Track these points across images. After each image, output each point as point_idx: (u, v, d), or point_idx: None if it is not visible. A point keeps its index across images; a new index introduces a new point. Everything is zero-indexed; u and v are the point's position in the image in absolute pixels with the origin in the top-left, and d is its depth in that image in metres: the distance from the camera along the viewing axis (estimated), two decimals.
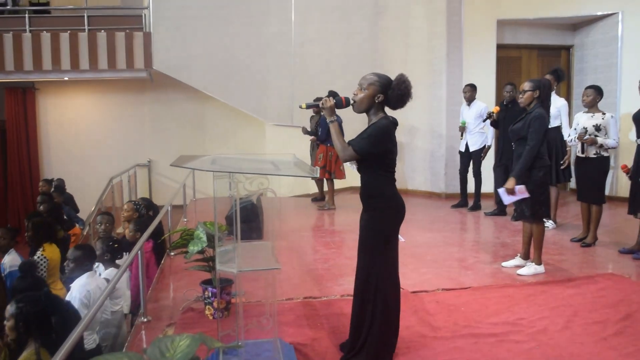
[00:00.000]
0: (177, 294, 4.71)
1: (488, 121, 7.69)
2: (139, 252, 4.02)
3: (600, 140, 5.90)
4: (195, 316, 4.16)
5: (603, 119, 5.95)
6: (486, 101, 8.38)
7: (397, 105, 3.25)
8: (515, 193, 4.92)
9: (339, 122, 8.14)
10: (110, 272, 4.62)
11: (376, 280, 3.25)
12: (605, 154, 5.97)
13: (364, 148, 3.16)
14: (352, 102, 3.28)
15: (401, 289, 4.54)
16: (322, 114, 8.50)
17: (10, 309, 3.21)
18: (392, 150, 3.26)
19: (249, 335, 3.44)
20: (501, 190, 5.01)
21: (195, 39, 10.15)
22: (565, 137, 6.73)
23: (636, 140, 5.61)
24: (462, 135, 8.34)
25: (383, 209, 3.26)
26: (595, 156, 5.99)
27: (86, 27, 10.32)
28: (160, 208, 6.47)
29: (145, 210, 6.81)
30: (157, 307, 4.43)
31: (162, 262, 5.78)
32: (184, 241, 4.13)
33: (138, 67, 10.28)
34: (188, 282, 4.80)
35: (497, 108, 7.58)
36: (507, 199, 5.00)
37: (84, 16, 10.38)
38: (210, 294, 4.03)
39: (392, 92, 3.20)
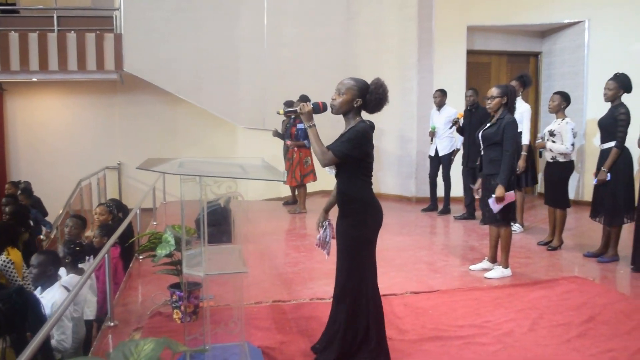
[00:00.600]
0: (145, 298, 4.68)
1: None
2: (106, 256, 3.98)
3: (548, 144, 6.05)
4: (163, 320, 4.13)
5: (559, 124, 6.08)
6: (456, 106, 8.48)
7: (375, 109, 3.29)
8: (504, 200, 4.98)
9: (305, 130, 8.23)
10: (71, 278, 4.54)
11: (362, 286, 3.27)
12: (561, 159, 6.08)
13: (343, 152, 3.17)
14: (330, 107, 3.30)
15: None
16: (292, 117, 8.53)
17: None
18: (371, 153, 3.29)
19: (217, 339, 3.42)
20: (491, 200, 5.02)
21: (166, 41, 10.08)
22: (524, 142, 6.84)
23: (599, 146, 5.72)
24: (432, 140, 8.43)
25: (362, 213, 3.27)
26: (552, 161, 6.13)
27: (55, 27, 10.18)
28: (130, 211, 6.41)
29: (116, 211, 6.75)
30: (125, 311, 4.39)
31: (131, 265, 5.73)
32: (152, 244, 4.10)
33: (108, 68, 10.17)
34: (156, 286, 4.76)
35: (462, 114, 7.69)
36: (497, 207, 5.02)
37: (53, 16, 10.23)
38: (178, 298, 4.01)
39: (370, 97, 3.22)
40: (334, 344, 3.31)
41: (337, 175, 3.32)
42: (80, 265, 4.82)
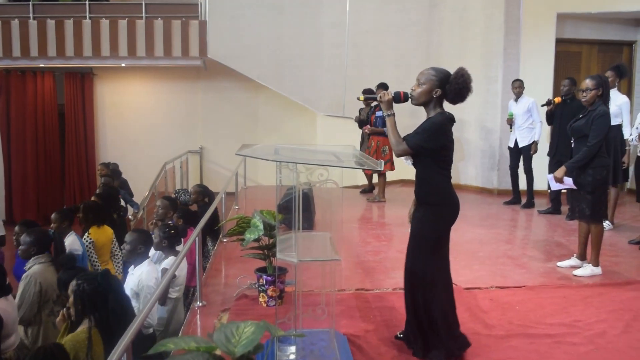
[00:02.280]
0: (229, 281, 4.79)
1: (542, 116, 7.53)
2: (196, 240, 4.10)
3: None
4: (249, 303, 4.22)
5: None
6: (543, 97, 8.19)
7: (456, 100, 3.22)
8: (562, 182, 4.91)
9: (383, 118, 8.17)
10: (172, 260, 4.70)
11: (429, 276, 3.25)
12: None
13: (417, 143, 3.15)
14: (409, 96, 3.27)
15: (455, 285, 4.53)
16: (372, 105, 8.49)
17: (71, 286, 3.34)
18: (448, 146, 3.24)
19: (304, 324, 3.46)
20: (550, 176, 5.03)
21: (249, 28, 10.24)
22: (626, 136, 6.54)
23: None
24: (510, 128, 8.18)
25: (437, 205, 3.25)
26: None
27: (144, 14, 10.52)
28: (214, 196, 6.58)
29: (186, 197, 7.01)
30: (211, 292, 4.51)
31: (215, 248, 5.88)
32: (240, 229, 4.17)
33: (193, 55, 10.44)
34: (241, 270, 4.86)
35: (559, 99, 7.40)
36: (555, 185, 5.05)
37: (141, 4, 10.56)
38: (264, 282, 4.08)
39: (450, 87, 3.17)
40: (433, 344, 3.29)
41: (414, 165, 3.30)
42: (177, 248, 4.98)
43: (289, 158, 2.73)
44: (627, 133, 6.51)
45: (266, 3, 10.26)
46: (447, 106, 3.32)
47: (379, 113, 8.26)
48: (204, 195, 6.79)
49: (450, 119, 3.23)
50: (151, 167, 9.85)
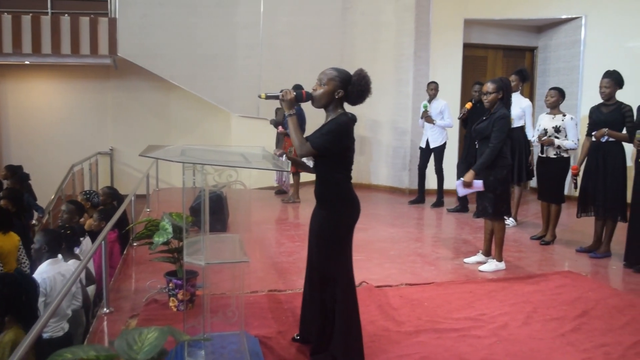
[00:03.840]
0: (139, 285, 4.66)
1: (454, 119, 7.78)
2: (103, 243, 3.96)
3: (557, 141, 6.06)
4: (158, 308, 4.12)
5: (563, 120, 6.09)
6: (452, 99, 8.48)
7: (357, 101, 3.19)
8: (471, 186, 5.05)
9: (301, 116, 8.21)
10: (74, 263, 4.53)
11: (333, 276, 3.22)
12: (565, 155, 6.12)
13: (322, 144, 3.09)
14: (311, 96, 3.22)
15: (366, 284, 4.61)
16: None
17: None
18: (350, 147, 3.21)
19: (214, 328, 3.42)
20: (458, 182, 5.14)
21: (161, 26, 9.99)
22: (530, 137, 6.87)
23: (604, 140, 5.68)
24: (423, 122, 8.33)
25: (339, 206, 3.22)
26: (555, 157, 6.14)
27: (49, 10, 10.08)
28: (124, 198, 6.39)
29: (98, 199, 6.75)
30: (120, 298, 4.37)
31: (125, 252, 5.71)
32: (149, 232, 4.08)
33: (102, 53, 10.08)
34: (151, 274, 4.75)
35: (470, 104, 7.67)
36: (462, 191, 5.18)
37: None
38: (174, 286, 3.99)
39: (352, 88, 3.13)
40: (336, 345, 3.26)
41: (315, 167, 3.24)
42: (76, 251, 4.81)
43: (195, 159, 2.68)
44: (530, 134, 6.84)
45: (179, 2, 10.03)
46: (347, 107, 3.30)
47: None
48: (113, 197, 6.59)
49: (353, 120, 3.23)
50: (59, 170, 9.43)
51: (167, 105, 11.50)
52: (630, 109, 5.51)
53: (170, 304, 4.08)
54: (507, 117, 5.06)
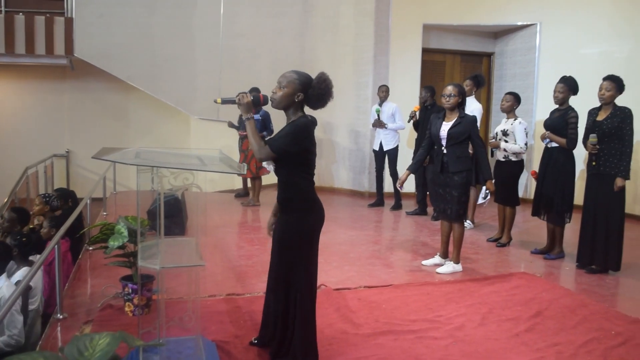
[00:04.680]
0: (95, 290, 4.57)
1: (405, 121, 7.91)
2: (56, 247, 3.87)
3: (503, 144, 6.20)
4: (114, 313, 4.05)
5: (512, 124, 6.23)
6: (411, 103, 8.57)
7: (317, 105, 3.17)
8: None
9: (267, 119, 8.20)
10: (25, 271, 4.42)
11: (297, 284, 3.19)
12: (514, 159, 6.25)
13: (281, 147, 3.07)
14: (270, 99, 3.19)
15: (324, 287, 4.61)
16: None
17: None
18: (311, 150, 3.18)
19: (171, 332, 3.37)
20: (482, 195, 5.49)
21: (119, 27, 9.82)
22: None
23: (547, 144, 5.86)
24: (375, 125, 8.40)
25: (303, 211, 3.19)
26: (504, 160, 6.29)
27: (2, 8, 9.79)
28: (79, 200, 6.26)
29: (57, 203, 6.56)
30: (74, 304, 4.28)
31: (80, 257, 5.60)
32: (104, 236, 4.01)
33: (58, 53, 9.84)
34: (106, 279, 4.67)
35: (418, 107, 7.80)
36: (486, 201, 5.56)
37: None
38: (130, 291, 3.93)
39: (312, 91, 3.11)
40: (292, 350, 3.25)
41: (276, 172, 3.21)
42: (31, 258, 4.69)
43: (149, 162, 2.65)
44: None
45: (137, 2, 9.87)
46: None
47: (256, 116, 8.25)
48: (65, 198, 6.43)
49: (314, 123, 3.21)
50: (12, 172, 9.19)
51: (125, 106, 11.31)
52: (575, 116, 5.64)
53: (126, 309, 4.01)
54: (476, 120, 5.31)
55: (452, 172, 5.18)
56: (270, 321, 3.40)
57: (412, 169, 5.49)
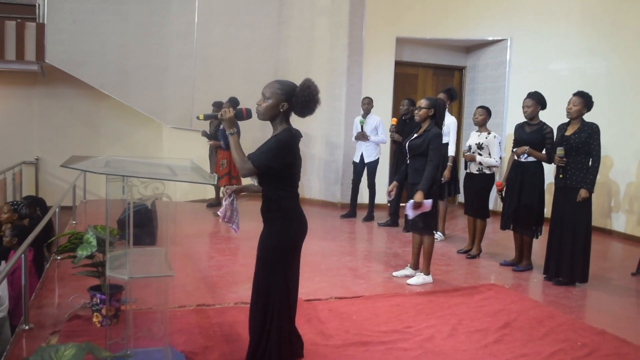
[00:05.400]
0: (62, 301, 4.50)
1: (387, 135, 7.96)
2: (22, 257, 3.81)
3: (479, 158, 6.29)
4: (82, 324, 3.99)
5: (487, 138, 6.32)
6: (383, 115, 8.64)
7: (305, 113, 3.14)
8: (422, 206, 5.10)
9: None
10: None
11: (274, 295, 3.16)
12: (488, 172, 6.34)
13: (263, 162, 3.03)
14: (255, 112, 3.17)
15: None
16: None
17: None
18: (294, 163, 3.16)
19: (139, 343, 3.34)
20: (408, 204, 5.14)
21: (92, 33, 9.74)
22: (451, 153, 7.08)
23: (523, 159, 5.91)
24: (358, 137, 8.43)
25: (280, 224, 3.17)
26: (477, 173, 6.37)
27: None
28: (48, 208, 6.17)
29: (26, 211, 6.44)
30: (40, 314, 4.20)
31: (47, 266, 5.51)
32: (72, 245, 3.95)
33: (29, 59, 9.72)
34: (75, 288, 4.60)
35: (395, 120, 7.87)
36: (413, 213, 5.14)
37: None
38: (98, 301, 3.88)
39: (296, 100, 3.08)
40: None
41: (260, 184, 3.19)
42: None
43: (119, 171, 2.63)
44: (452, 150, 7.07)
45: (110, 9, 9.80)
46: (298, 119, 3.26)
47: (221, 126, 8.23)
48: (35, 205, 6.33)
49: (297, 136, 3.16)
50: None
51: (96, 114, 11.19)
52: (551, 131, 5.75)
53: (94, 319, 3.95)
54: (441, 136, 5.25)
55: (411, 184, 5.26)
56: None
57: (398, 179, 5.51)
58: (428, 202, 5.10)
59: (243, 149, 3.09)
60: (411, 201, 5.12)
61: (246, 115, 3.18)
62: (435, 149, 5.14)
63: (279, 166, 3.07)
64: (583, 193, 5.28)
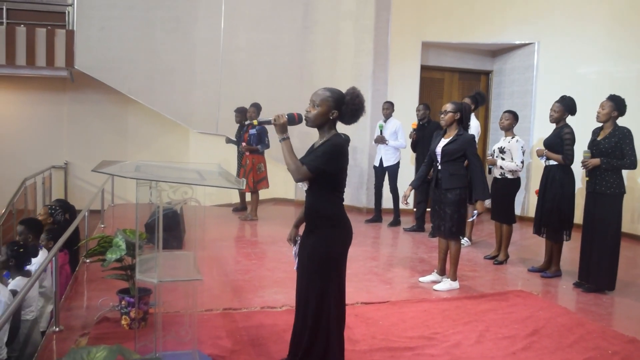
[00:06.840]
0: (91, 303, 4.56)
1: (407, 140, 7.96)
2: (54, 260, 3.87)
3: (499, 162, 6.24)
4: (110, 326, 4.04)
5: (509, 142, 6.27)
6: (409, 120, 8.60)
7: (351, 121, 3.16)
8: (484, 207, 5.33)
9: (262, 133, 8.22)
10: (19, 280, 4.41)
11: (328, 301, 3.16)
12: (510, 176, 6.27)
13: (318, 167, 3.04)
14: (305, 118, 3.16)
15: None
16: (245, 123, 8.53)
17: None
18: (345, 168, 3.18)
19: (167, 346, 3.36)
20: (475, 212, 5.50)
21: (120, 39, 9.89)
22: None
23: (545, 162, 5.88)
24: (377, 141, 8.44)
25: (331, 230, 3.17)
26: (500, 177, 6.31)
27: (4, 20, 9.86)
28: (77, 213, 6.25)
29: (62, 214, 6.53)
30: (70, 317, 4.27)
31: (77, 269, 5.59)
32: (102, 248, 4.01)
33: (59, 65, 9.89)
34: (103, 291, 4.65)
35: (415, 124, 7.85)
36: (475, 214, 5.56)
37: (2, 9, 9.90)
38: (127, 304, 3.92)
39: (346, 108, 3.10)
40: None
41: (308, 190, 3.19)
42: (27, 267, 4.67)
43: (149, 176, 2.66)
44: None
45: (138, 15, 9.95)
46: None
47: (252, 131, 8.28)
48: (64, 210, 6.41)
49: (347, 141, 3.17)
50: (10, 184, 9.18)
51: (124, 119, 11.33)
52: (570, 132, 5.67)
53: (123, 322, 4.00)
54: (475, 140, 5.33)
55: (444, 189, 5.22)
56: (297, 343, 3.29)
57: (414, 185, 5.55)
58: (487, 202, 5.36)
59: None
60: (475, 212, 5.45)
61: (298, 119, 3.17)
62: (473, 154, 5.21)
63: (333, 170, 3.09)
64: (596, 162, 5.23)
